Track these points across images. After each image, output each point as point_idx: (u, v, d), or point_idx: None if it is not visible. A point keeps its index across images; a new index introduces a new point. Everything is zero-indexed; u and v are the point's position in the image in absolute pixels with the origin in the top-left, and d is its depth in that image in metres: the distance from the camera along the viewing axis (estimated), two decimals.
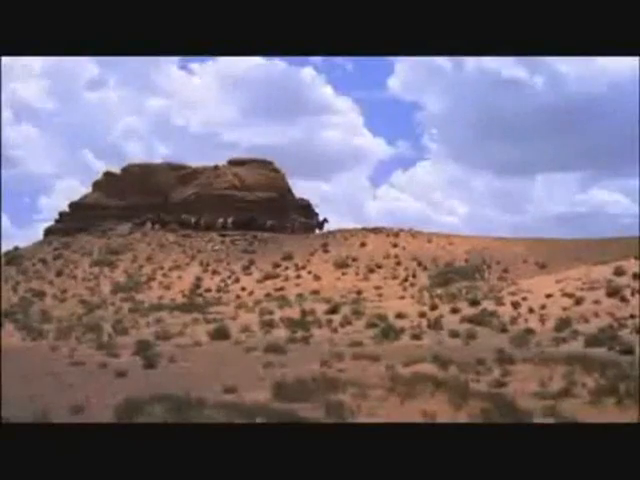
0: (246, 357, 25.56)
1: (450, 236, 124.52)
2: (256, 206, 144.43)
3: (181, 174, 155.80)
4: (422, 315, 42.42)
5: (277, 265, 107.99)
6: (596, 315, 37.49)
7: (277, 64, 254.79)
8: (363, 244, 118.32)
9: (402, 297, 66.51)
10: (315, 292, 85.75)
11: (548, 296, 45.34)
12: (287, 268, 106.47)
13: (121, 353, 26.64)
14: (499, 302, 45.43)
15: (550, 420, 11.38)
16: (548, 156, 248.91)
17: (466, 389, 14.36)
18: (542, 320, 37.55)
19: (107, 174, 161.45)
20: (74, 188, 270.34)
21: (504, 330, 34.50)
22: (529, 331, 32.76)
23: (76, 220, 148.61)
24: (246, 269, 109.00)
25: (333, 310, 47.82)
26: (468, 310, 43.37)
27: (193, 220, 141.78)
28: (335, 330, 37.81)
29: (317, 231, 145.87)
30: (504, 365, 19.06)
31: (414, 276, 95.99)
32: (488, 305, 44.75)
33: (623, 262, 51.17)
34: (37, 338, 37.61)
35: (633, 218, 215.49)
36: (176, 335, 36.20)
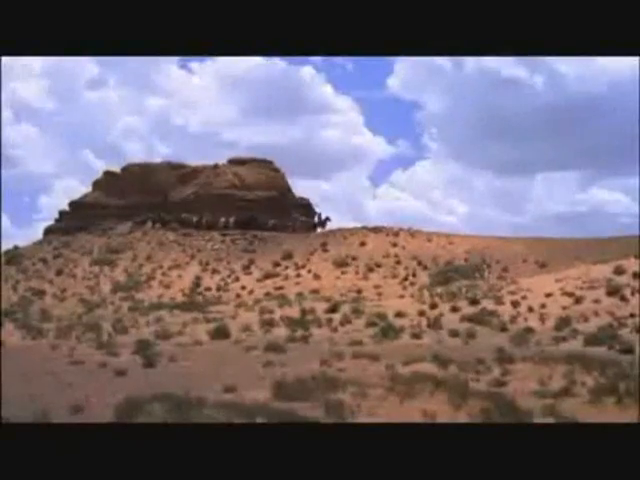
0: (246, 356, 25.56)
1: (450, 235, 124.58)
2: (256, 205, 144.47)
3: (181, 173, 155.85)
4: (422, 314, 42.43)
5: (277, 264, 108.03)
6: (596, 314, 37.50)
7: (277, 63, 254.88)
8: (363, 243, 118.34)
9: (402, 296, 66.56)
10: (315, 291, 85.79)
11: (548, 295, 45.36)
12: (287, 267, 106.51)
13: (121, 352, 26.63)
14: (499, 301, 45.44)
15: (550, 419, 11.38)
16: (548, 155, 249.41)
17: (466, 388, 14.36)
18: (542, 319, 37.56)
19: (107, 173, 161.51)
20: (74, 187, 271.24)
21: (504, 329, 34.50)
22: (529, 330, 32.75)
23: (76, 219, 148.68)
24: (246, 268, 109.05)
25: (333, 309, 47.84)
26: (468, 309, 43.38)
27: (195, 219, 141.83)
28: (335, 329, 37.81)
29: (319, 229, 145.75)
30: (504, 364, 19.06)
31: (414, 275, 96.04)
32: (488, 304, 44.75)
33: (623, 261, 51.20)
34: (37, 337, 37.60)
35: (633, 217, 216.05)
36: (176, 334, 36.19)
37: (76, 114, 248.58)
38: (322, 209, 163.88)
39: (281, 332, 36.27)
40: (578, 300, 42.62)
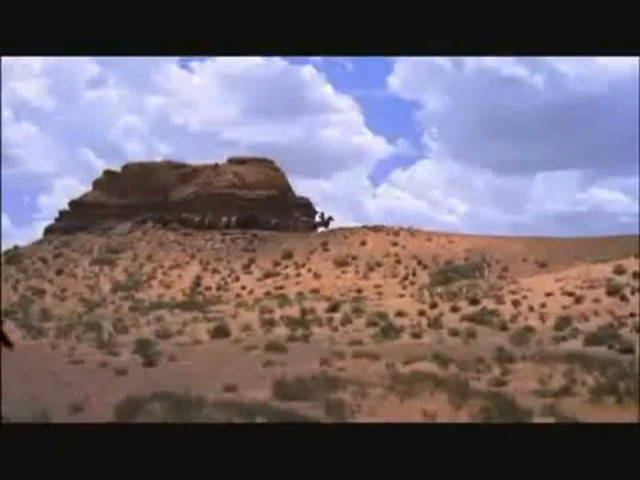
0: (246, 356, 25.57)
1: (450, 235, 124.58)
2: (256, 205, 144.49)
3: (181, 173, 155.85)
4: (422, 314, 42.43)
5: (277, 264, 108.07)
6: (596, 314, 37.51)
7: (277, 63, 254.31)
8: (363, 243, 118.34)
9: (402, 295, 66.60)
10: (315, 291, 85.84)
11: (548, 295, 45.36)
12: (287, 267, 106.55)
13: (121, 352, 26.64)
14: (499, 301, 45.44)
15: (550, 418, 11.39)
16: (548, 155, 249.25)
17: (466, 388, 14.37)
18: (542, 318, 37.57)
19: (107, 173, 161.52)
20: (74, 187, 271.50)
21: (504, 328, 34.52)
22: (529, 330, 32.76)
23: (76, 219, 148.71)
24: (246, 268, 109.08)
25: (333, 308, 47.84)
26: (468, 309, 43.40)
27: (197, 219, 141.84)
28: (335, 329, 37.82)
29: (322, 229, 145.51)
30: (504, 363, 19.07)
31: (414, 275, 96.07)
32: (488, 304, 44.76)
33: (623, 261, 51.20)
34: (37, 337, 37.60)
35: (633, 217, 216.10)
36: (176, 334, 36.21)
37: (76, 113, 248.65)
38: (322, 208, 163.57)
39: (281, 331, 36.29)
40: (578, 300, 42.62)
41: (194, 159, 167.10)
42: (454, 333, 32.77)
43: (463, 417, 11.78)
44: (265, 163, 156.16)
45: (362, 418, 11.95)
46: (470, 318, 38.73)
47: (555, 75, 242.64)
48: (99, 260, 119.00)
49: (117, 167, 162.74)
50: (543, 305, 42.21)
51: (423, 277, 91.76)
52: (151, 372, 20.78)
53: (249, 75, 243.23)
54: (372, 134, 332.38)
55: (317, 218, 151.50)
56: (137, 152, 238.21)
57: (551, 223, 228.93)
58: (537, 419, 11.36)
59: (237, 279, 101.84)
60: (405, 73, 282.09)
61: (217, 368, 21.19)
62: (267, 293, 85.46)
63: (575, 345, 26.24)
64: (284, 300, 62.17)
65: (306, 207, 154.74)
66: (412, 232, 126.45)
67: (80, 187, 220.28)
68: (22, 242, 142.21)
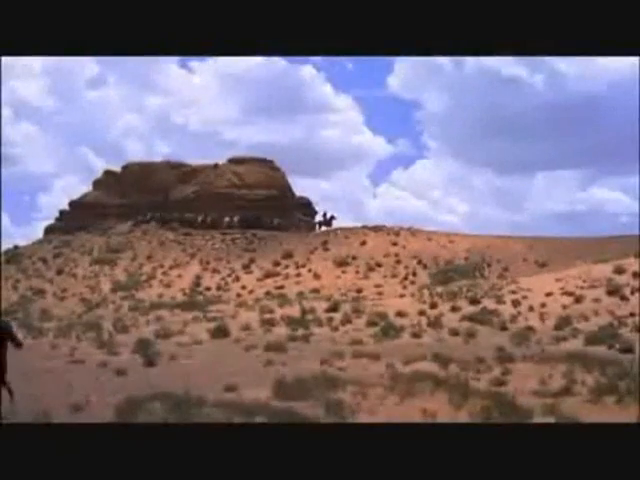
0: (246, 355, 25.55)
1: (450, 234, 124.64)
2: (256, 204, 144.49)
3: (181, 172, 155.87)
4: (422, 313, 42.39)
5: (277, 263, 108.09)
6: (596, 313, 37.48)
7: (277, 62, 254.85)
8: (363, 242, 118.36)
9: (402, 295, 66.54)
10: (315, 290, 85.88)
11: (548, 294, 45.33)
12: (287, 266, 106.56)
13: (121, 351, 26.62)
14: (499, 300, 45.40)
15: (550, 418, 11.39)
16: (548, 154, 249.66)
17: (466, 387, 14.36)
18: (542, 318, 37.55)
19: (107, 172, 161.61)
20: (74, 186, 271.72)
21: (504, 328, 34.48)
22: (529, 329, 32.73)
23: (76, 218, 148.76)
24: (246, 267, 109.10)
25: (333, 308, 47.78)
26: (468, 308, 43.35)
27: (200, 219, 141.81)
28: (335, 328, 37.78)
29: (325, 228, 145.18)
30: (504, 363, 19.05)
31: (414, 274, 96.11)
32: (488, 303, 44.72)
33: (623, 260, 51.16)
34: (37, 336, 37.58)
35: (633, 216, 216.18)
36: (176, 333, 36.16)
37: (76, 113, 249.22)
38: (322, 208, 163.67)
39: (281, 331, 36.25)
40: (578, 299, 42.59)
41: (194, 159, 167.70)
42: (454, 333, 32.75)
43: (463, 417, 11.77)
44: (265, 163, 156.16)
45: (362, 418, 11.94)
46: (470, 318, 38.68)
47: (555, 75, 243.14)
48: (99, 260, 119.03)
49: (117, 167, 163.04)
50: (543, 305, 42.17)
51: (423, 277, 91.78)
52: (151, 372, 20.77)
53: (249, 75, 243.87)
54: (372, 134, 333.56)
55: (320, 217, 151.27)
56: (137, 152, 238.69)
57: (551, 223, 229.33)
58: (537, 419, 11.36)
59: (237, 279, 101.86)
60: (405, 73, 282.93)
61: (217, 368, 21.17)
62: (267, 293, 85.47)
63: (575, 345, 26.22)
64: (284, 300, 62.13)
65: (306, 207, 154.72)
66: (412, 232, 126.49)
67: (80, 187, 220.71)
68: (22, 242, 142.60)
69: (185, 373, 19.63)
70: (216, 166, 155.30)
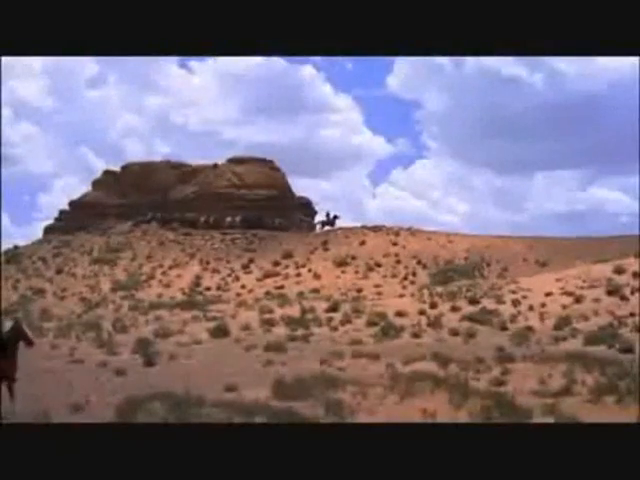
0: (246, 355, 25.55)
1: (450, 234, 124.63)
2: (256, 204, 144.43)
3: (181, 172, 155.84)
4: (422, 313, 42.38)
5: (277, 263, 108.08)
6: (596, 313, 37.47)
7: (277, 62, 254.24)
8: (363, 242, 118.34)
9: (402, 295, 66.50)
10: (315, 290, 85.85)
11: (548, 294, 45.32)
12: (287, 266, 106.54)
13: (121, 351, 26.63)
14: (499, 300, 45.39)
15: (550, 418, 11.39)
16: (548, 154, 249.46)
17: (466, 387, 14.36)
18: (542, 318, 37.54)
19: (107, 172, 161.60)
20: (74, 186, 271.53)
21: (504, 328, 34.49)
22: (529, 329, 32.73)
23: (76, 218, 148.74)
24: (246, 267, 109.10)
25: (333, 308, 47.77)
26: (468, 308, 43.34)
27: (202, 219, 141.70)
28: (335, 328, 37.77)
29: (328, 228, 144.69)
30: (504, 363, 19.05)
31: (414, 274, 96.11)
32: (488, 303, 44.71)
33: (623, 260, 51.17)
34: (37, 336, 37.52)
35: (633, 216, 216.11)
36: (176, 333, 36.16)
37: (76, 113, 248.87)
38: (322, 208, 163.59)
39: (281, 331, 36.25)
40: (578, 299, 42.59)
41: (194, 159, 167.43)
42: (454, 333, 32.75)
43: (463, 417, 11.77)
44: (265, 163, 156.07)
45: (361, 418, 11.94)
46: (470, 318, 38.68)
47: (555, 75, 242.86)
48: (99, 260, 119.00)
49: (117, 167, 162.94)
50: (543, 305, 42.16)
51: (423, 277, 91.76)
52: (151, 372, 20.78)
53: (249, 75, 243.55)
54: (372, 134, 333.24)
55: (323, 217, 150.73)
56: (137, 152, 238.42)
57: (551, 222, 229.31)
58: (537, 419, 11.36)
59: (237, 279, 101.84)
60: (405, 73, 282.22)
61: (217, 368, 21.18)
62: (267, 293, 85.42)
63: (575, 345, 26.22)
64: (284, 300, 62.09)
65: (306, 207, 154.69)
66: (412, 232, 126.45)
67: (80, 187, 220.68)
68: (22, 241, 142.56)
69: (185, 373, 19.63)
70: (216, 166, 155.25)
